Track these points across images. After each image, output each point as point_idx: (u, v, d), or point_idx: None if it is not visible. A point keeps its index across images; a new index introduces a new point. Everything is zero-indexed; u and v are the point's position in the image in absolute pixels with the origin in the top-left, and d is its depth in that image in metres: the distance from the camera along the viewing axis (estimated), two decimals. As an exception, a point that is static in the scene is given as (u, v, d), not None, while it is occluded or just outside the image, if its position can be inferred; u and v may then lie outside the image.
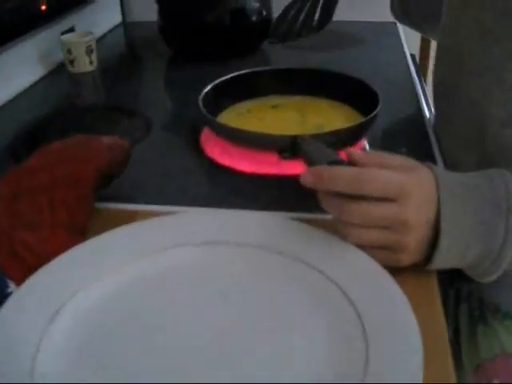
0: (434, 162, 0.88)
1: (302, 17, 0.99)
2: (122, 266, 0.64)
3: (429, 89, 1.23)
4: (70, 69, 1.34)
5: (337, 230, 0.64)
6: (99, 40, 1.50)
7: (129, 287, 0.62)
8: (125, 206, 0.79)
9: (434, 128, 0.98)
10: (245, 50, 1.37)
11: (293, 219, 0.71)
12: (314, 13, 0.95)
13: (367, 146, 0.93)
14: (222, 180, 0.85)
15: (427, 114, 1.04)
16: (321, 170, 0.61)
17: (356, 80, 0.97)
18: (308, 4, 1.03)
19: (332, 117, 0.96)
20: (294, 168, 0.81)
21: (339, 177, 0.60)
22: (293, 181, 0.81)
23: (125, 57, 1.44)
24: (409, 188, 0.59)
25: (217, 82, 0.97)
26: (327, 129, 0.89)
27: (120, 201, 0.80)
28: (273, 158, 0.84)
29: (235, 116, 0.96)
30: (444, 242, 0.60)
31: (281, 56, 1.38)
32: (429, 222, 0.61)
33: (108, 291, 0.61)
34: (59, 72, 1.34)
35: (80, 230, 0.69)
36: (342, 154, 0.66)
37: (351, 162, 0.63)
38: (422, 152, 0.91)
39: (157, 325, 0.58)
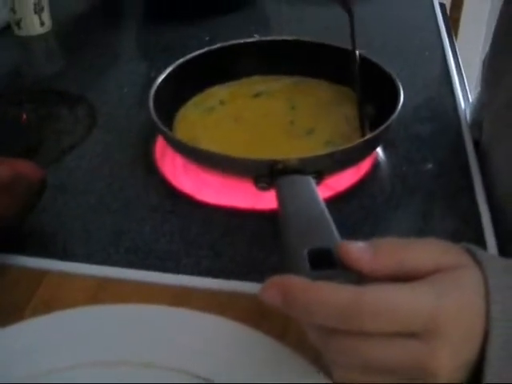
0: (471, 185, 0.62)
1: None
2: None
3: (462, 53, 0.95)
4: (17, 31, 1.08)
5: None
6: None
7: None
8: (27, 261, 0.56)
9: (475, 124, 0.71)
10: (236, 4, 1.09)
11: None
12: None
13: (382, 156, 0.67)
14: (176, 218, 0.61)
15: (461, 98, 0.76)
16: (292, 288, 0.36)
17: (368, 62, 0.70)
18: None
19: (331, 112, 0.70)
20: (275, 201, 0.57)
21: (323, 306, 0.35)
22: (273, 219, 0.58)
23: (86, 15, 1.16)
24: (443, 321, 0.35)
25: (176, 64, 0.71)
26: (321, 134, 0.65)
27: (22, 252, 0.57)
28: (247, 186, 0.58)
29: (202, 112, 0.71)
30: None
31: (280, 11, 1.10)
32: (468, 364, 0.37)
33: None
34: (5, 35, 1.08)
35: None
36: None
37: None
38: (456, 166, 0.65)
39: None
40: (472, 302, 0.37)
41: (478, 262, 0.39)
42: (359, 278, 0.37)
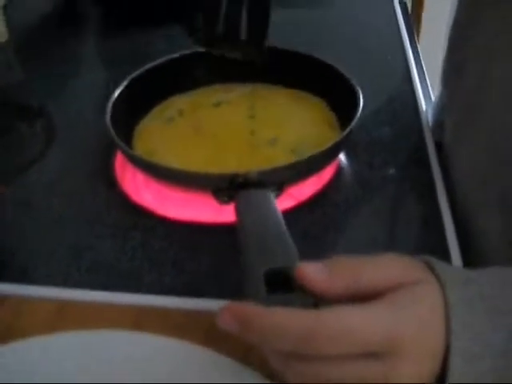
0: (433, 188, 0.62)
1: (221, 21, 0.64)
2: None
3: (425, 54, 0.95)
4: (-27, 42, 1.06)
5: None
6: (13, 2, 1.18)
7: None
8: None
9: (437, 125, 0.71)
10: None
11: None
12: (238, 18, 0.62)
13: (344, 162, 0.66)
14: (137, 234, 0.60)
15: (422, 100, 0.76)
16: (248, 315, 0.36)
17: (324, 65, 0.70)
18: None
19: (293, 119, 0.69)
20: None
21: (278, 332, 0.34)
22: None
23: (44, 25, 1.14)
24: (401, 339, 0.35)
25: (132, 77, 0.70)
26: (285, 143, 0.64)
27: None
28: (210, 199, 0.57)
29: (162, 124, 0.70)
30: None
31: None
32: (431, 378, 0.37)
33: None
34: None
35: None
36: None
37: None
38: (418, 170, 0.65)
39: None
40: (431, 318, 0.37)
41: (437, 277, 0.38)
42: (317, 300, 0.37)
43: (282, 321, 0.35)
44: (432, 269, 0.39)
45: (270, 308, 0.35)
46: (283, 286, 0.38)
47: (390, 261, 0.39)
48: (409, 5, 1.09)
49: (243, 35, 0.61)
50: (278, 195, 0.56)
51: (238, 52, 0.65)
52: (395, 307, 0.36)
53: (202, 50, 0.72)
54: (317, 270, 0.37)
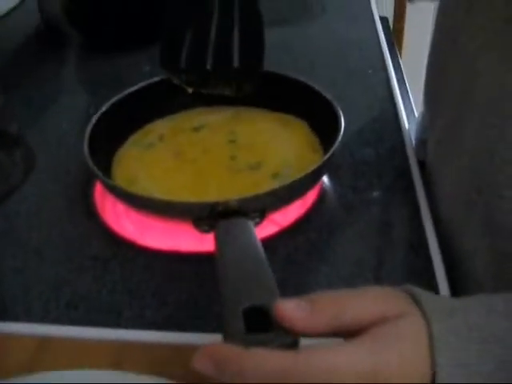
0: (418, 210, 0.61)
1: (210, 53, 0.63)
2: None
3: (408, 68, 0.95)
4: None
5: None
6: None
7: None
8: None
9: (421, 143, 0.71)
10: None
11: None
12: (230, 47, 0.61)
13: (328, 184, 0.66)
14: (117, 266, 0.59)
15: (405, 119, 0.75)
16: (225, 358, 0.35)
17: (306, 87, 0.69)
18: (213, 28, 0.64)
19: (275, 143, 0.68)
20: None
21: (256, 375, 0.33)
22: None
23: (23, 49, 1.13)
24: (384, 377, 0.34)
25: (111, 103, 0.69)
26: (265, 168, 0.63)
27: None
28: (191, 228, 0.56)
29: (141, 150, 0.69)
30: None
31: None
32: None
33: None
34: None
35: None
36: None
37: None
38: (402, 192, 0.64)
39: None
40: (415, 353, 0.36)
41: (422, 308, 0.38)
42: (297, 337, 0.35)
43: (261, 362, 0.34)
44: (416, 300, 0.38)
45: (248, 349, 0.34)
46: (263, 323, 0.37)
47: (373, 294, 0.38)
48: (390, 20, 1.09)
49: (235, 63, 0.60)
50: (259, 222, 0.55)
51: (230, 88, 0.64)
52: (378, 345, 0.35)
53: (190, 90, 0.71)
54: (297, 308, 0.36)
